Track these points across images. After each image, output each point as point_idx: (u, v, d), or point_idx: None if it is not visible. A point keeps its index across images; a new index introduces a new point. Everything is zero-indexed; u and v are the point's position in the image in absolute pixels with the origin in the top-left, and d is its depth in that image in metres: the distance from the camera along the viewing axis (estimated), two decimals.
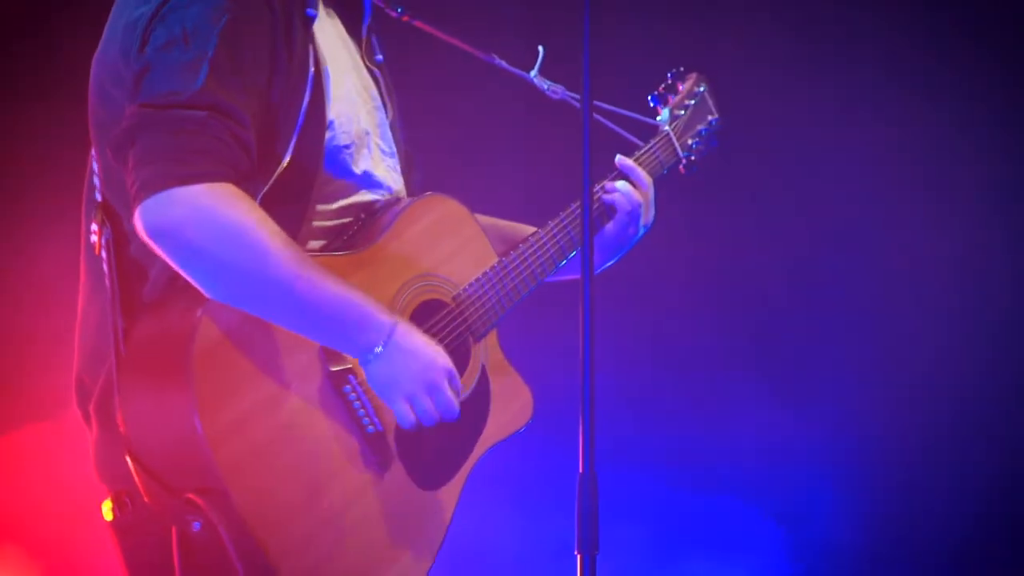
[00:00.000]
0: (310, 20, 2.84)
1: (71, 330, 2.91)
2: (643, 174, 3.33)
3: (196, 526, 2.61)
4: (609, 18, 5.49)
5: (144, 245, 2.64)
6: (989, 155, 5.71)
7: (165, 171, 2.57)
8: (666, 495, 5.77)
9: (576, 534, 2.43)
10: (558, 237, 3.18)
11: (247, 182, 2.68)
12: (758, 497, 5.77)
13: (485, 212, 3.38)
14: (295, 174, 2.80)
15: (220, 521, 2.57)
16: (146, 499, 2.67)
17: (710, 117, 3.55)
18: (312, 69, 2.81)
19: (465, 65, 3.56)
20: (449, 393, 2.79)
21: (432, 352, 2.78)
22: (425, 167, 3.38)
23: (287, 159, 2.77)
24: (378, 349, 2.70)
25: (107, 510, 2.76)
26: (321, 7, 2.98)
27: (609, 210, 3.29)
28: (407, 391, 2.75)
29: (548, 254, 3.16)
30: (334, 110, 2.88)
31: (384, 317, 2.72)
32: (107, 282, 2.77)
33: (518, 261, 3.12)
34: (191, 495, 2.59)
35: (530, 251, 3.14)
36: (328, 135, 2.86)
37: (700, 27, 5.63)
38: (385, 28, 3.26)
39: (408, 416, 2.77)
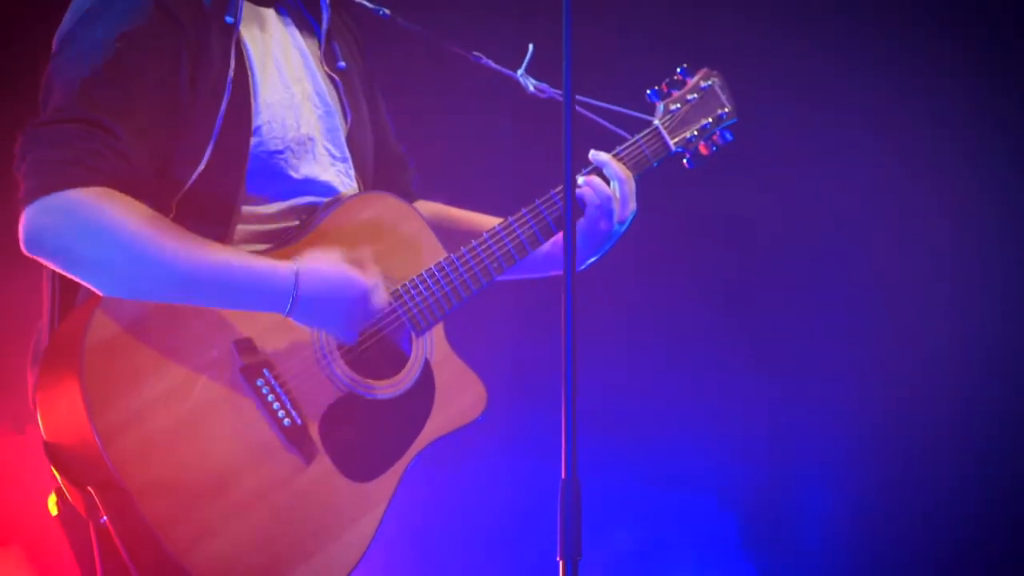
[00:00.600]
0: (229, 28, 2.87)
1: None
2: (618, 168, 3.27)
3: (103, 520, 2.63)
4: (612, 15, 5.55)
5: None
6: (990, 155, 5.70)
7: (39, 183, 2.66)
8: (655, 498, 5.77)
9: (559, 539, 2.44)
10: (518, 232, 3.16)
11: (131, 186, 2.72)
12: (750, 500, 5.77)
13: (473, 210, 3.42)
14: (216, 179, 2.84)
15: (116, 515, 2.59)
16: (68, 496, 2.72)
17: (720, 111, 3.50)
18: (231, 75, 2.85)
19: (451, 65, 3.56)
20: (375, 301, 2.85)
21: (343, 274, 2.81)
22: (416, 167, 3.42)
23: (203, 163, 2.81)
24: (290, 294, 2.75)
25: (52, 504, 2.81)
26: (271, 13, 3.05)
27: (578, 203, 3.24)
28: (344, 313, 2.81)
29: (505, 249, 3.14)
30: (264, 115, 2.91)
31: (284, 264, 2.77)
32: (46, 286, 2.87)
33: (468, 256, 3.10)
34: (90, 489, 2.62)
35: (483, 247, 3.12)
36: (254, 140, 2.89)
37: (707, 23, 5.61)
38: (371, 30, 3.30)
39: (348, 337, 2.85)
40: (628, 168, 3.30)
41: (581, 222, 3.26)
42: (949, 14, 5.61)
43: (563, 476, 2.44)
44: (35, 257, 2.71)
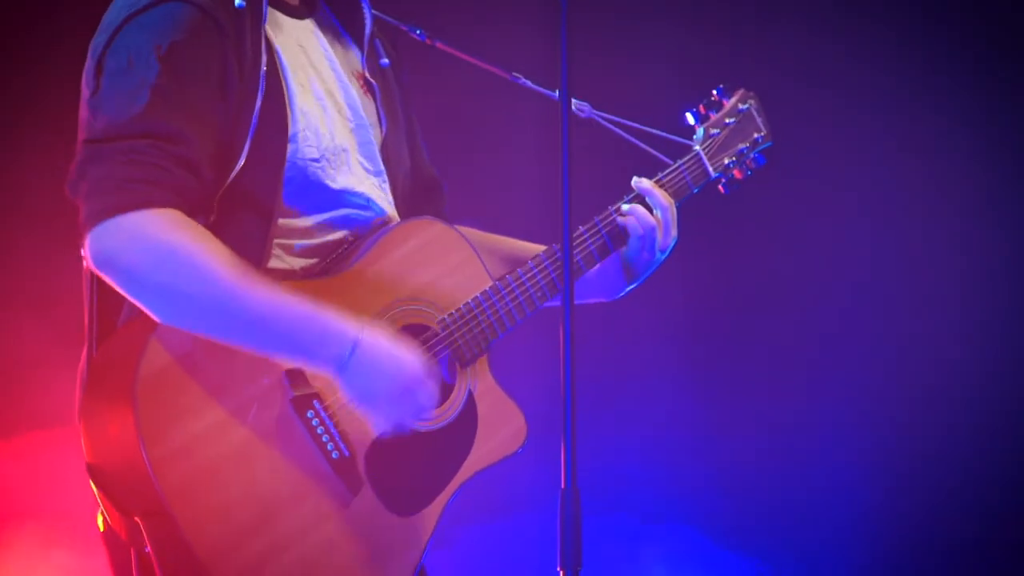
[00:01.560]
0: (259, 32, 2.85)
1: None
2: (661, 196, 3.23)
3: (147, 549, 2.62)
4: (652, 36, 5.58)
5: None
6: (996, 154, 5.75)
7: (106, 202, 2.64)
8: (668, 502, 5.84)
9: (559, 550, 2.43)
10: (561, 260, 2.99)
11: (199, 202, 2.73)
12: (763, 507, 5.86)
13: (509, 232, 3.38)
14: (253, 179, 2.83)
15: (164, 546, 2.58)
16: (109, 519, 2.72)
17: (756, 135, 3.46)
18: (264, 70, 2.83)
19: (488, 83, 3.56)
20: (421, 399, 2.77)
21: (401, 358, 2.74)
22: (447, 186, 3.37)
23: (242, 162, 2.79)
24: (344, 360, 2.69)
25: (100, 521, 2.80)
26: (308, 25, 3.06)
27: (622, 233, 3.22)
28: (388, 394, 2.74)
29: (549, 278, 3.10)
30: (300, 123, 2.89)
31: (347, 325, 2.71)
32: (86, 308, 2.86)
33: (514, 285, 3.06)
34: (137, 518, 2.61)
35: (528, 275, 3.09)
36: (291, 147, 2.87)
37: (749, 43, 5.67)
38: (405, 50, 3.30)
39: (382, 425, 2.78)
40: (670, 195, 3.26)
41: (623, 251, 3.22)
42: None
43: (563, 486, 2.44)
44: (102, 275, 2.68)
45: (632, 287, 3.32)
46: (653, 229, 3.21)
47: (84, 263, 2.82)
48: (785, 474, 5.83)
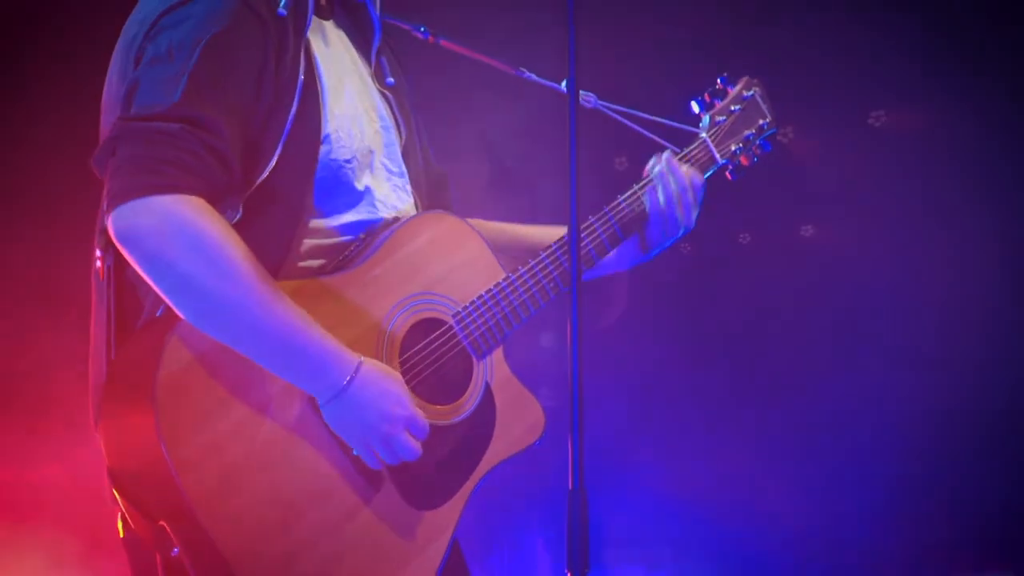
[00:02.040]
0: (301, 32, 2.85)
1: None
2: (683, 172, 3.25)
3: (175, 552, 2.61)
4: (657, 25, 5.57)
5: (140, 275, 2.67)
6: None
7: (137, 181, 2.62)
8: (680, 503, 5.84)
9: (567, 552, 2.42)
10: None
11: (224, 194, 2.71)
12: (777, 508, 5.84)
13: (520, 221, 3.39)
14: (284, 180, 2.81)
15: (191, 549, 2.57)
16: (131, 524, 2.71)
17: (761, 121, 3.46)
18: (301, 79, 2.82)
19: (493, 78, 3.55)
20: (407, 440, 2.75)
21: (390, 400, 2.73)
22: (455, 181, 3.37)
23: (273, 163, 2.78)
24: (334, 393, 2.69)
25: (120, 527, 2.80)
26: (331, 27, 3.04)
27: (634, 221, 3.23)
28: (364, 438, 2.72)
29: (561, 268, 3.08)
30: (332, 124, 2.89)
31: (346, 359, 2.69)
32: (104, 309, 2.83)
33: (527, 276, 3.05)
34: (163, 522, 2.60)
35: (540, 266, 3.07)
36: (324, 148, 2.87)
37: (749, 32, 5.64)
38: (408, 47, 3.30)
39: (370, 459, 2.75)
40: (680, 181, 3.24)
41: (647, 227, 3.23)
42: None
43: (570, 487, 2.42)
44: (123, 250, 2.65)
45: (642, 261, 3.35)
46: (673, 207, 3.22)
47: (97, 263, 2.83)
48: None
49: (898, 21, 5.65)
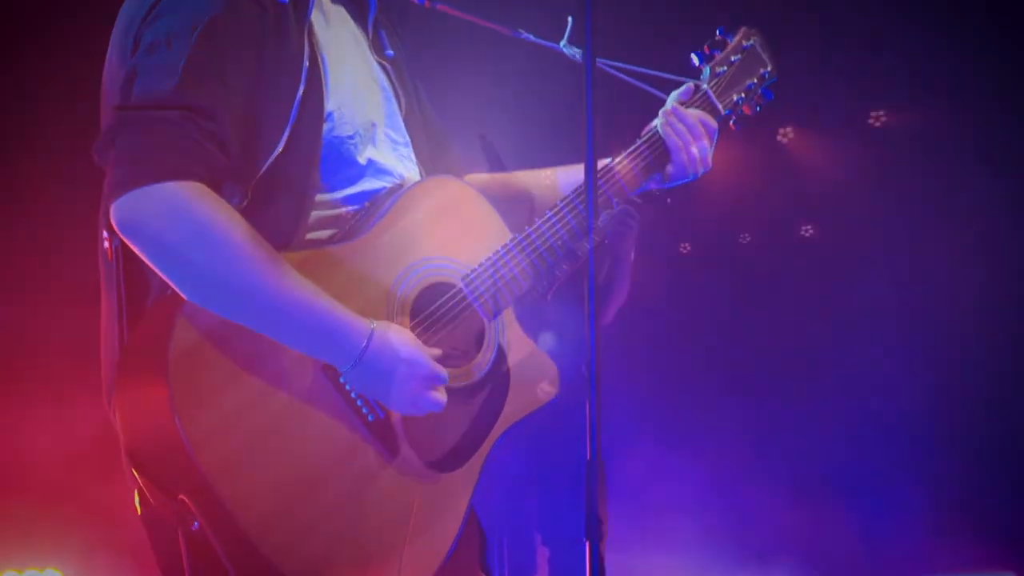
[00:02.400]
0: (303, 13, 2.84)
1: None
2: (690, 114, 3.21)
3: (195, 526, 2.59)
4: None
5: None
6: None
7: (136, 171, 2.60)
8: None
9: (584, 520, 2.39)
10: (576, 207, 3.06)
11: (225, 179, 2.69)
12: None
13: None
14: (290, 164, 2.79)
15: (211, 522, 2.55)
16: (150, 500, 2.68)
17: (762, 70, 3.41)
18: (307, 63, 2.81)
19: (492, 40, 3.52)
20: (431, 395, 2.75)
21: (407, 359, 2.71)
22: (459, 145, 3.33)
23: (280, 149, 2.76)
24: (353, 361, 2.68)
25: (137, 503, 2.77)
26: (329, 3, 3.02)
27: (663, 155, 3.18)
28: (390, 400, 2.72)
29: (569, 226, 3.05)
30: (333, 101, 2.87)
31: (359, 326, 2.69)
32: (114, 290, 2.81)
33: (535, 237, 3.02)
34: (183, 496, 2.57)
35: (547, 225, 3.04)
36: (327, 126, 2.85)
37: None
38: (407, 14, 3.27)
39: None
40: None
41: (668, 168, 3.17)
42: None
43: (588, 457, 2.40)
44: (127, 240, 2.64)
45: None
46: (685, 148, 3.16)
47: (105, 244, 2.82)
48: None
49: (898, 21, 5.61)
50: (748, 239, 6.06)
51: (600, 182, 3.09)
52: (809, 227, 6.09)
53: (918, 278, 5.85)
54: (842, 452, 5.81)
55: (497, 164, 3.20)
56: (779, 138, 5.98)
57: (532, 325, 3.03)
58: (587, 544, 2.39)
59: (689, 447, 5.85)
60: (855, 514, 5.76)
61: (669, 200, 3.22)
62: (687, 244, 5.93)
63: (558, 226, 3.04)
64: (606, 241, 3.24)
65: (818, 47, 5.62)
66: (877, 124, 5.93)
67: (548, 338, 3.43)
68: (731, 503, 5.80)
